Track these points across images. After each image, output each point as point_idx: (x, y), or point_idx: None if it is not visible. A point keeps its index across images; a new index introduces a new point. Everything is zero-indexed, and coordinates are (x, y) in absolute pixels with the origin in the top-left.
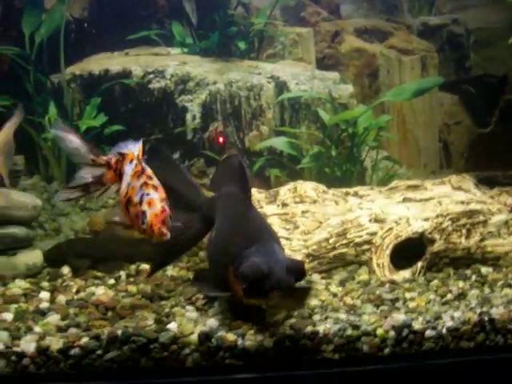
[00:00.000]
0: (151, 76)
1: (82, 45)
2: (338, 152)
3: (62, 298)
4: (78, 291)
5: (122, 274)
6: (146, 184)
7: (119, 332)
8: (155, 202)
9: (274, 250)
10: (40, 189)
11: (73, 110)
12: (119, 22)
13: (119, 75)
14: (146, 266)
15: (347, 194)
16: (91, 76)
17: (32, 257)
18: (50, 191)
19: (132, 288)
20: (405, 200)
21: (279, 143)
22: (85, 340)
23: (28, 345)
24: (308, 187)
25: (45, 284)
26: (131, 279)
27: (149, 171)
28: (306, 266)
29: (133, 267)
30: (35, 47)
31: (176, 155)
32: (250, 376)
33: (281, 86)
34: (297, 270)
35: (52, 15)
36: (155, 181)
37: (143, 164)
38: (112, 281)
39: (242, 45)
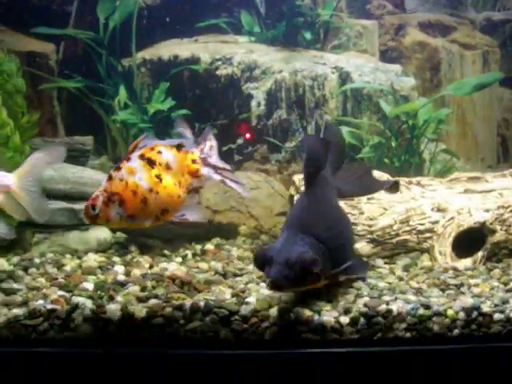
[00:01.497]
0: (219, 63)
1: (153, 31)
2: (397, 143)
3: (136, 272)
4: (151, 266)
5: (188, 253)
6: None
7: (202, 303)
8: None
9: (290, 241)
10: (107, 169)
11: (142, 94)
12: (190, 9)
13: (188, 61)
14: (210, 247)
15: (410, 183)
16: (161, 61)
17: (102, 233)
18: None
19: (203, 265)
20: (466, 191)
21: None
22: (168, 310)
23: (113, 312)
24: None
25: (116, 259)
26: (197, 258)
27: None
28: (368, 250)
29: (198, 247)
30: (108, 32)
31: (240, 141)
32: (326, 351)
33: (344, 77)
34: (300, 266)
35: (126, 1)
36: (116, 173)
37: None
38: (179, 259)
39: (307, 35)
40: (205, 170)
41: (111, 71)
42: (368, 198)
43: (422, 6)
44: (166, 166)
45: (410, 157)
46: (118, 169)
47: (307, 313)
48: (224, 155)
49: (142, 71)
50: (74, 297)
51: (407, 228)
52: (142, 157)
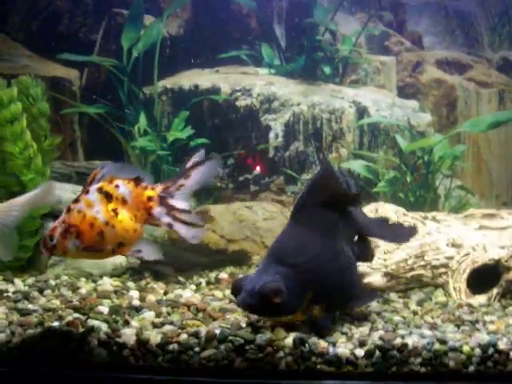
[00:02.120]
0: (238, 94)
1: (175, 60)
2: (412, 178)
3: (151, 298)
4: (165, 293)
5: (202, 281)
6: None
7: (217, 331)
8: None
9: (263, 270)
10: None
11: (162, 121)
12: (212, 41)
13: (208, 91)
14: (224, 275)
15: (425, 218)
16: (181, 90)
17: (118, 257)
18: None
19: (218, 293)
20: (481, 227)
21: (357, 166)
22: (183, 337)
23: (128, 337)
24: (389, 209)
25: (131, 284)
26: (211, 286)
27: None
28: (382, 284)
29: (212, 275)
30: (131, 60)
31: (256, 172)
32: (340, 383)
33: (362, 111)
34: (260, 295)
35: (150, 31)
36: (74, 205)
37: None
38: (193, 286)
39: (327, 69)
40: (157, 210)
41: (132, 98)
42: None
43: (440, 44)
44: (122, 201)
45: (425, 192)
46: (77, 201)
47: (322, 344)
48: (240, 185)
49: (162, 99)
50: (89, 320)
51: (422, 263)
52: (100, 190)
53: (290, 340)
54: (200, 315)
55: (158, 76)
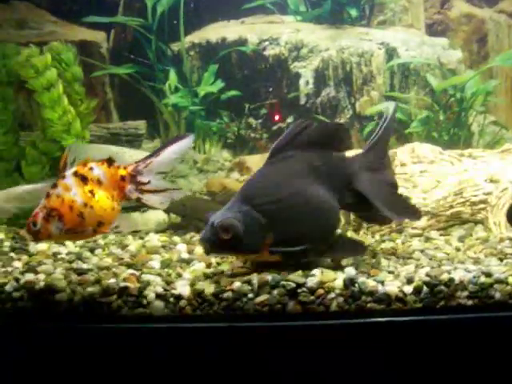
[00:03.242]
0: (266, 43)
1: (200, 14)
2: (445, 117)
3: (199, 250)
4: None
5: None
6: None
7: (269, 277)
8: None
9: (227, 208)
10: None
11: (192, 77)
12: None
13: (235, 43)
14: None
15: (462, 155)
16: (209, 44)
17: (160, 214)
18: None
19: None
20: None
21: (389, 108)
22: (237, 284)
23: (184, 288)
24: (425, 148)
25: (176, 238)
26: None
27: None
28: (422, 223)
29: None
30: (157, 17)
31: (290, 119)
32: (390, 319)
33: (391, 52)
34: (215, 229)
35: None
36: (53, 190)
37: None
38: None
39: (353, 12)
40: (128, 189)
41: (161, 56)
42: (421, 172)
43: None
44: (97, 182)
45: (459, 130)
46: (55, 186)
47: (371, 283)
48: (274, 134)
49: (190, 55)
50: (143, 275)
51: (461, 200)
52: (75, 174)
53: (339, 281)
54: (248, 263)
55: (184, 31)
